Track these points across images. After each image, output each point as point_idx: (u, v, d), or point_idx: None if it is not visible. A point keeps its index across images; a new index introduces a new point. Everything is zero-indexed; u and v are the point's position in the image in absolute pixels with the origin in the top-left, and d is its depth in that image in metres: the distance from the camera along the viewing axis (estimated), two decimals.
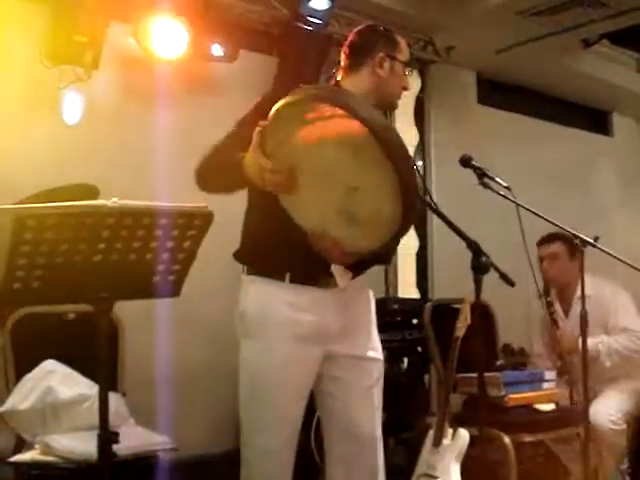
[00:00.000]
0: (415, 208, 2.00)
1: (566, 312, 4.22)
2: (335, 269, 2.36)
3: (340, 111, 1.91)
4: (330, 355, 2.44)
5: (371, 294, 2.61)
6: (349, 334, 2.46)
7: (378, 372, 2.53)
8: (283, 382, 2.37)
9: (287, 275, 2.37)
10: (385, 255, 2.60)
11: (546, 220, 2.82)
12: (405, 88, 2.58)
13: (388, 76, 2.52)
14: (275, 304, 2.38)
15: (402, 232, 2.06)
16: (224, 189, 2.39)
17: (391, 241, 2.09)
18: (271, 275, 2.40)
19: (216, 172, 2.37)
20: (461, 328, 3.48)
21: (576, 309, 3.82)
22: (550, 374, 3.90)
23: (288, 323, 2.36)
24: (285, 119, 2.01)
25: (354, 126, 1.89)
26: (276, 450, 2.41)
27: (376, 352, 2.53)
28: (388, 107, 2.68)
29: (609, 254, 3.36)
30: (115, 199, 1.87)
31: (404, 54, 2.57)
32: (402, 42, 2.59)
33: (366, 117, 1.90)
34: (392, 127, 1.99)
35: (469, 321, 3.42)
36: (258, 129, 2.06)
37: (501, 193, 2.70)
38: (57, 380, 3.06)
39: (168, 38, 4.31)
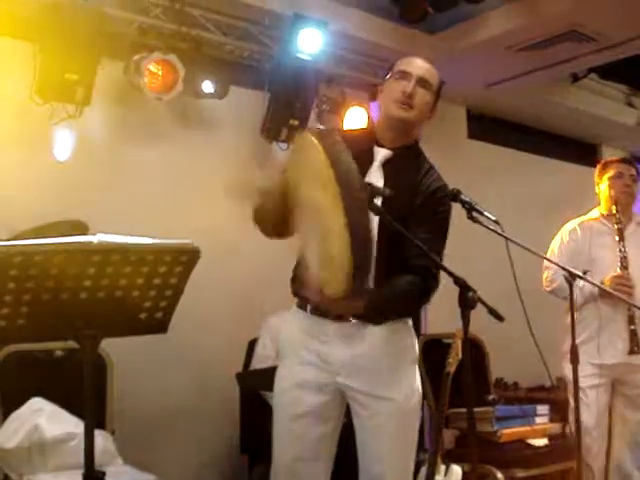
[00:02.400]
0: (364, 268, 2.08)
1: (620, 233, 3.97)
2: None
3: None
4: (345, 388, 2.48)
5: (408, 335, 2.59)
6: (361, 369, 2.46)
7: (391, 412, 2.47)
8: (290, 400, 2.49)
9: (308, 307, 2.50)
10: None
11: (534, 254, 2.82)
12: (402, 92, 2.49)
13: (382, 98, 2.59)
14: (295, 332, 2.54)
15: (352, 291, 2.10)
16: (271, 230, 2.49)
17: (344, 296, 2.13)
18: (300, 306, 2.55)
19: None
20: (452, 363, 3.47)
21: (633, 229, 3.92)
22: (542, 408, 3.88)
23: (300, 349, 2.49)
24: (294, 153, 2.22)
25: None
26: (287, 465, 2.49)
27: (392, 392, 2.48)
28: (397, 124, 2.54)
29: (598, 287, 3.38)
30: (101, 235, 1.87)
31: (396, 69, 2.56)
32: (401, 61, 2.60)
33: (337, 169, 1.97)
34: (358, 187, 2.02)
35: (460, 356, 3.40)
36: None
37: (490, 227, 2.69)
38: (44, 418, 3.02)
39: (159, 75, 4.34)
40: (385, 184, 2.45)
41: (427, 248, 2.33)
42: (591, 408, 3.71)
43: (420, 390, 2.58)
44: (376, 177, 2.48)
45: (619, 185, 3.93)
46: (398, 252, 2.39)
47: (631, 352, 3.67)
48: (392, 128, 2.55)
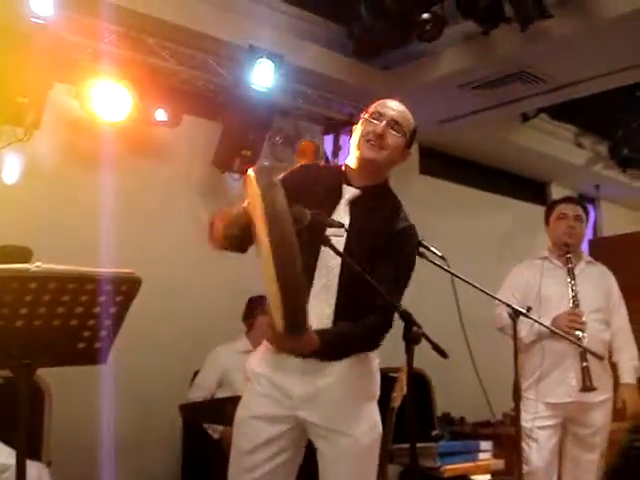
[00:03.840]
0: (295, 312, 2.07)
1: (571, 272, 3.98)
2: None
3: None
4: (303, 422, 2.45)
5: (369, 370, 2.56)
6: (319, 404, 2.43)
7: (351, 447, 2.44)
8: (248, 431, 2.46)
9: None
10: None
11: (479, 290, 2.83)
12: (373, 132, 2.49)
13: (354, 137, 2.56)
14: (261, 364, 2.50)
15: (288, 330, 2.11)
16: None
17: (286, 333, 2.14)
18: (268, 340, 2.50)
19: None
20: (397, 398, 3.46)
21: (583, 267, 3.95)
22: (486, 444, 3.89)
23: (262, 379, 2.47)
24: (247, 190, 2.18)
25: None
26: None
27: (352, 427, 2.45)
28: (366, 164, 2.52)
29: (542, 325, 3.41)
30: (39, 263, 1.84)
31: (370, 110, 2.55)
32: (376, 103, 2.57)
33: (269, 214, 1.99)
34: (285, 234, 2.01)
35: (405, 391, 3.39)
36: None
37: (436, 262, 2.70)
38: None
39: (111, 101, 4.32)
40: (351, 223, 2.45)
41: (387, 288, 2.33)
42: (541, 449, 3.71)
43: (380, 425, 2.56)
44: (343, 215, 2.48)
45: (563, 226, 3.97)
46: (358, 290, 2.39)
47: (583, 389, 3.66)
48: (361, 168, 2.53)
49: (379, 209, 2.54)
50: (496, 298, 3.17)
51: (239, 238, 2.39)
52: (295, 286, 2.05)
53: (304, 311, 2.13)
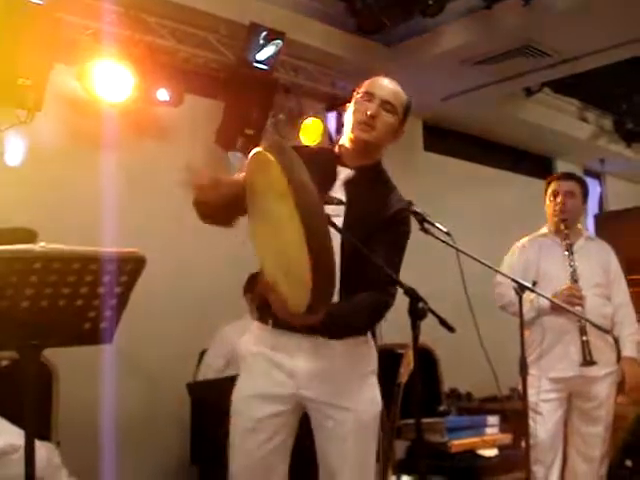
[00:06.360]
0: (326, 281, 2.03)
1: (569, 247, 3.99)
2: None
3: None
4: (307, 400, 2.46)
5: (368, 346, 2.57)
6: (322, 381, 2.44)
7: (352, 422, 2.45)
8: (249, 411, 2.46)
9: (270, 320, 2.46)
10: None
11: (485, 265, 2.83)
12: (364, 113, 2.48)
13: (347, 117, 2.56)
14: (259, 345, 2.50)
15: (315, 305, 2.08)
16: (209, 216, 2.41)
17: (308, 311, 2.10)
18: (261, 320, 2.52)
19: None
20: (404, 374, 3.47)
21: (582, 244, 3.95)
22: (493, 419, 3.90)
23: (262, 361, 2.47)
24: (254, 162, 2.15)
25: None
26: (236, 474, 2.48)
27: (353, 402, 2.46)
28: (358, 144, 2.52)
29: (547, 298, 3.41)
30: (43, 244, 1.83)
31: (362, 89, 2.55)
32: (368, 81, 2.57)
33: (293, 179, 1.95)
34: (314, 200, 1.99)
35: (412, 367, 3.41)
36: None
37: (441, 238, 2.69)
38: None
39: (113, 82, 4.30)
40: (348, 202, 2.45)
41: (384, 265, 2.33)
42: (546, 422, 3.73)
43: (380, 400, 2.57)
44: (339, 195, 2.48)
45: (554, 203, 3.97)
46: (358, 268, 2.39)
47: (583, 364, 3.69)
48: (355, 148, 2.54)
49: (374, 189, 2.55)
50: (503, 274, 3.17)
51: (226, 208, 2.33)
52: (328, 257, 2.03)
53: (334, 282, 2.11)
